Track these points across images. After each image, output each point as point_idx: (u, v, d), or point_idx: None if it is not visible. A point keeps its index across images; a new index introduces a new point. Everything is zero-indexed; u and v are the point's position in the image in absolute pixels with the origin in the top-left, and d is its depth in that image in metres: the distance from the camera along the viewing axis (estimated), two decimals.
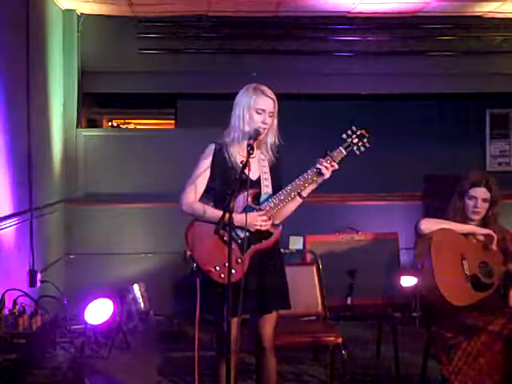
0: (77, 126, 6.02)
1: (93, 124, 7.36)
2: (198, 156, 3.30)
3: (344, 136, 3.22)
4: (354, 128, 3.24)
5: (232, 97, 3.29)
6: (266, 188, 3.23)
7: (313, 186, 3.22)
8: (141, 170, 6.04)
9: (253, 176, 3.21)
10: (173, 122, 7.46)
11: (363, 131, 3.24)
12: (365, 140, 3.23)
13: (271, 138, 3.27)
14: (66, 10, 5.92)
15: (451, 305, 3.48)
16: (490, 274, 3.63)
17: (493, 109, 7.34)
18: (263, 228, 3.15)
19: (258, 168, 3.25)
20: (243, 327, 3.15)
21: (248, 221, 3.01)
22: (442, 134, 7.12)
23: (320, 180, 3.18)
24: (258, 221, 3.12)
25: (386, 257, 4.81)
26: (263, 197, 3.21)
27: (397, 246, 4.88)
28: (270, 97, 3.20)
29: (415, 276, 4.08)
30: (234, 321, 3.07)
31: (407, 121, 7.04)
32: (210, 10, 6.02)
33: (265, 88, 3.22)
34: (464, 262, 3.60)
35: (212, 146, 3.26)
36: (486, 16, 6.38)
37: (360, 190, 6.43)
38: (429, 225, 3.70)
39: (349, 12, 6.17)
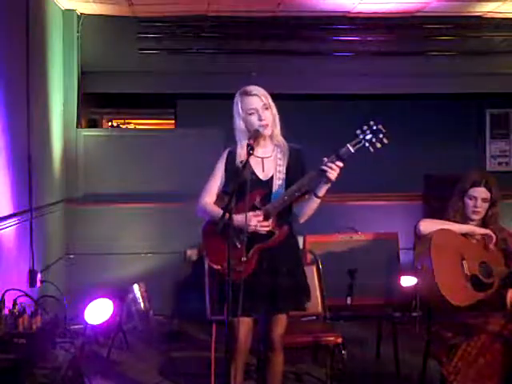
0: (77, 126, 6.02)
1: (93, 124, 7.36)
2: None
3: (358, 132, 3.04)
4: (371, 123, 3.04)
5: (232, 97, 3.29)
6: (279, 187, 3.19)
7: (327, 185, 3.11)
8: (141, 170, 6.04)
9: (264, 176, 3.23)
10: (173, 121, 7.47)
11: (380, 126, 3.03)
12: (380, 136, 3.02)
13: (277, 129, 3.26)
14: (66, 10, 5.92)
15: (451, 305, 3.47)
16: (489, 274, 3.63)
17: (493, 109, 7.35)
18: (260, 228, 3.13)
19: (273, 167, 3.24)
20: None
21: (244, 221, 2.99)
22: (441, 134, 7.12)
23: (327, 179, 3.05)
24: (252, 221, 3.10)
25: (386, 257, 4.81)
26: (275, 196, 3.17)
27: (397, 245, 4.88)
28: (252, 94, 3.19)
29: (415, 276, 4.08)
30: (243, 320, 3.08)
31: (407, 121, 7.05)
32: (209, 10, 6.02)
33: (248, 88, 3.22)
34: (464, 262, 3.60)
35: (226, 150, 3.32)
36: (486, 16, 6.38)
37: (360, 190, 6.42)
38: (428, 225, 3.70)
39: (349, 12, 6.17)
